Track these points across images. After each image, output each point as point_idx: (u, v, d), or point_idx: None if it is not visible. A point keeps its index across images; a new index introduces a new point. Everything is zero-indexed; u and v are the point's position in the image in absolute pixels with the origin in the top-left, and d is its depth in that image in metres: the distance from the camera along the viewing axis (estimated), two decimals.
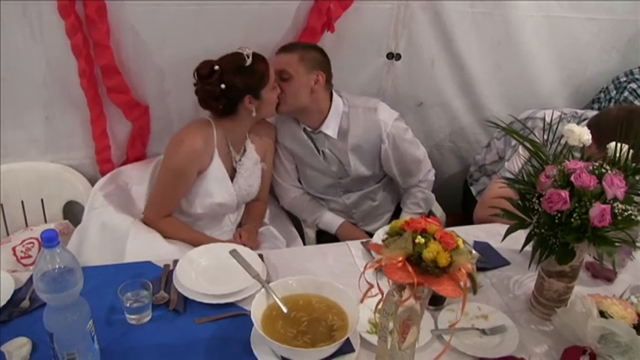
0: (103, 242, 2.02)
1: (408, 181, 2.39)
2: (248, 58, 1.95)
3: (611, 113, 1.98)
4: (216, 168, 2.06)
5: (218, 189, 2.08)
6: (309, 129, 2.24)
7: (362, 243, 1.89)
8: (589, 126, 2.03)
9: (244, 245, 1.86)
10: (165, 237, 2.03)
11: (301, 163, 2.35)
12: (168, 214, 2.08)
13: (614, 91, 2.67)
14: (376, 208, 2.46)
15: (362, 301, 1.32)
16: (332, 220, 2.39)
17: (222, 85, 1.93)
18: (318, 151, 2.27)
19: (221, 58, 1.98)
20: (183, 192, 2.06)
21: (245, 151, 2.16)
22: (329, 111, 2.20)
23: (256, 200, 2.32)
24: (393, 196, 2.51)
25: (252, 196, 2.23)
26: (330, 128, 2.21)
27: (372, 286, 1.27)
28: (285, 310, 1.41)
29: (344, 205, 2.41)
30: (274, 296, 1.43)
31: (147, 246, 1.94)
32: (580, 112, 2.37)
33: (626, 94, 2.60)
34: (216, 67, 1.94)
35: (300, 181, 2.43)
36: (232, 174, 2.14)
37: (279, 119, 2.30)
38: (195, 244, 1.94)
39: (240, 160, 2.14)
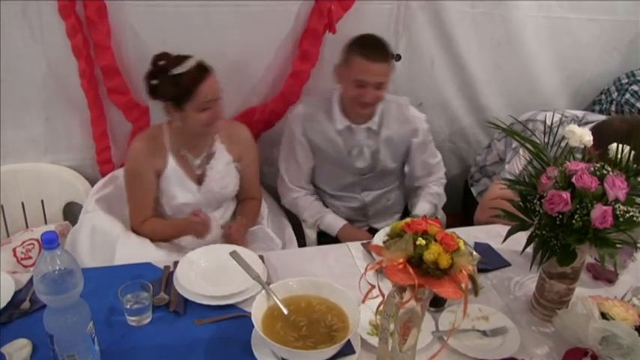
0: (93, 246, 2.02)
1: (425, 179, 2.43)
2: (182, 65, 1.83)
3: (613, 126, 1.96)
4: (172, 170, 2.03)
5: (179, 190, 2.05)
6: (354, 125, 2.24)
7: (362, 244, 1.89)
8: None
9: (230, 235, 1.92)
10: (154, 242, 2.03)
11: (325, 160, 2.33)
12: (147, 217, 2.07)
13: (616, 93, 2.67)
14: (390, 207, 2.48)
15: (363, 301, 1.31)
16: (333, 222, 2.38)
17: (154, 81, 1.88)
18: (349, 149, 2.28)
19: (174, 56, 1.89)
20: (149, 194, 2.04)
21: (214, 153, 2.09)
22: None
23: (250, 198, 2.29)
24: (402, 197, 2.54)
25: (229, 196, 2.19)
26: (375, 122, 2.25)
27: (373, 286, 1.26)
28: (285, 311, 1.40)
29: (362, 202, 2.42)
30: (275, 298, 1.43)
31: (135, 252, 1.93)
32: (580, 115, 2.35)
33: (627, 96, 2.60)
34: (161, 62, 1.86)
35: (313, 183, 2.43)
36: (200, 176, 2.09)
37: (308, 118, 2.26)
38: (182, 233, 2.00)
39: (209, 163, 2.08)
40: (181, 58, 1.86)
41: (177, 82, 1.83)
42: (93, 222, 2.07)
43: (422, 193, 2.43)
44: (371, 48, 2.07)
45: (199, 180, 2.09)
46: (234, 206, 2.29)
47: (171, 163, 2.02)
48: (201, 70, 1.87)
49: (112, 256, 1.93)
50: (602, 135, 1.84)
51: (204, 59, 1.90)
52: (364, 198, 2.41)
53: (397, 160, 2.36)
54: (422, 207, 2.36)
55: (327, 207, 2.43)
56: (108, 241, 2.00)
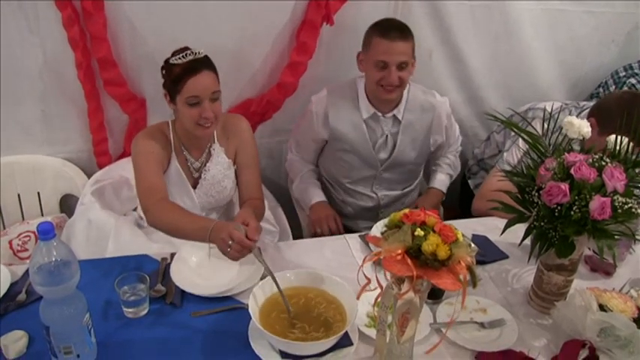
0: (88, 239, 1.99)
1: (444, 149, 2.49)
2: (179, 56, 1.75)
3: (615, 94, 1.98)
4: (174, 171, 1.94)
5: (177, 193, 1.96)
6: (379, 113, 2.21)
7: (360, 236, 1.89)
8: (592, 109, 2.02)
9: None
10: (156, 226, 1.81)
11: (346, 150, 2.28)
12: (160, 197, 1.80)
13: (614, 86, 2.67)
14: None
15: (358, 297, 1.31)
16: (312, 194, 2.38)
17: (163, 70, 1.82)
18: (374, 141, 2.26)
19: (183, 47, 1.81)
20: (159, 170, 1.87)
21: (210, 156, 1.99)
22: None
23: (251, 199, 2.08)
24: (414, 201, 2.51)
25: (225, 200, 2.08)
26: (401, 111, 2.23)
27: (369, 281, 1.26)
28: (284, 303, 1.40)
29: (376, 203, 2.39)
30: (276, 286, 1.42)
31: (127, 246, 1.89)
32: (581, 103, 2.35)
33: (625, 89, 2.60)
34: (173, 52, 1.81)
35: (328, 175, 2.43)
36: (197, 179, 2.00)
37: (333, 105, 2.22)
38: (201, 231, 1.63)
39: (205, 166, 1.99)
40: (184, 50, 1.79)
41: (170, 70, 1.78)
42: (88, 215, 2.04)
43: (439, 164, 2.49)
44: (389, 28, 2.05)
45: (195, 183, 2.01)
46: (234, 207, 2.20)
47: (174, 162, 1.94)
48: (196, 64, 1.76)
49: (104, 250, 1.90)
50: (604, 104, 1.84)
51: (211, 56, 1.83)
52: (380, 200, 2.38)
53: (416, 149, 2.30)
54: (440, 179, 2.47)
55: (342, 200, 2.43)
56: (102, 235, 1.97)
